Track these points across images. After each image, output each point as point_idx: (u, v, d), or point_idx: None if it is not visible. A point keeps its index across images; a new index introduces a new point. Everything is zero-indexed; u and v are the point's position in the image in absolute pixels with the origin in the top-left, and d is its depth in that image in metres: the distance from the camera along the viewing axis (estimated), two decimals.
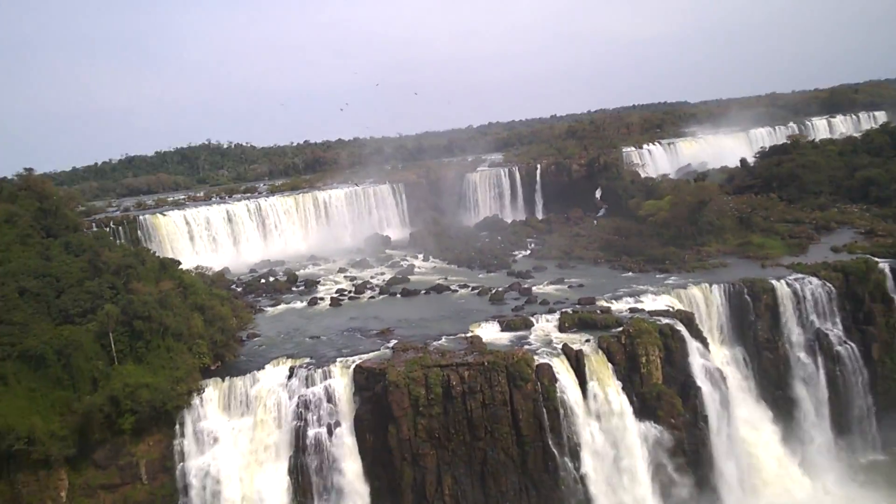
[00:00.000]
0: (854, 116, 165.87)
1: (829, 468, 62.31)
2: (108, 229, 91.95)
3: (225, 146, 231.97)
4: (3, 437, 45.33)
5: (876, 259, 70.35)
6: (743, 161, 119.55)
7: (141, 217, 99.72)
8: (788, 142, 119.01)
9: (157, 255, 72.21)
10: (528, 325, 61.11)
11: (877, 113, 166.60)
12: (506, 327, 61.10)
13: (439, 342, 57.70)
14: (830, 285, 67.20)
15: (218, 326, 58.63)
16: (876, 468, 63.86)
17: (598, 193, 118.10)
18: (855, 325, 67.54)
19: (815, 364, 65.15)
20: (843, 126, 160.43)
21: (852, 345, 66.18)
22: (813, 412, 64.11)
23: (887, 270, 68.88)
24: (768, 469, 60.20)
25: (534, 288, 73.86)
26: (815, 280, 67.43)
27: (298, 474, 51.38)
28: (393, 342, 58.50)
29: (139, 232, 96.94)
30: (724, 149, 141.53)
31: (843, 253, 75.02)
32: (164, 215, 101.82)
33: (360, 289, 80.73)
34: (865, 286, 67.88)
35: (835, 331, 66.63)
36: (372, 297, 77.70)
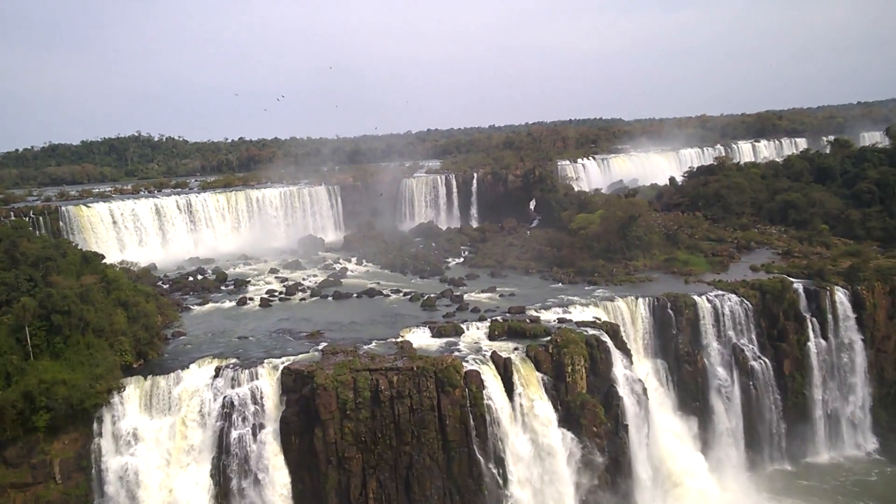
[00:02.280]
0: (777, 142, 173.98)
1: (739, 476, 65.40)
2: (27, 219, 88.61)
3: (156, 139, 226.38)
4: None
5: (791, 279, 73.96)
6: (672, 179, 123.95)
7: (63, 208, 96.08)
8: (715, 163, 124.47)
9: (79, 248, 69.99)
10: (459, 332, 61.71)
11: (798, 139, 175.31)
12: (436, 333, 61.51)
13: (369, 346, 57.66)
14: (748, 302, 70.23)
15: (142, 323, 57.07)
16: (781, 477, 67.51)
17: (532, 204, 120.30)
18: (769, 341, 70.80)
19: (731, 377, 68.09)
20: (766, 150, 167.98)
21: (766, 360, 69.43)
22: (727, 423, 66.91)
23: (801, 290, 72.53)
24: (682, 476, 62.36)
25: (466, 295, 74.63)
26: (734, 297, 70.38)
27: (220, 476, 50.45)
28: (322, 345, 58.10)
29: (61, 223, 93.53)
30: (655, 167, 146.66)
31: (762, 272, 78.48)
32: (89, 207, 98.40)
33: (291, 290, 79.79)
34: (780, 304, 71.26)
35: (750, 346, 69.73)
36: (303, 299, 76.96)
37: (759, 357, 69.52)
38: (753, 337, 70.30)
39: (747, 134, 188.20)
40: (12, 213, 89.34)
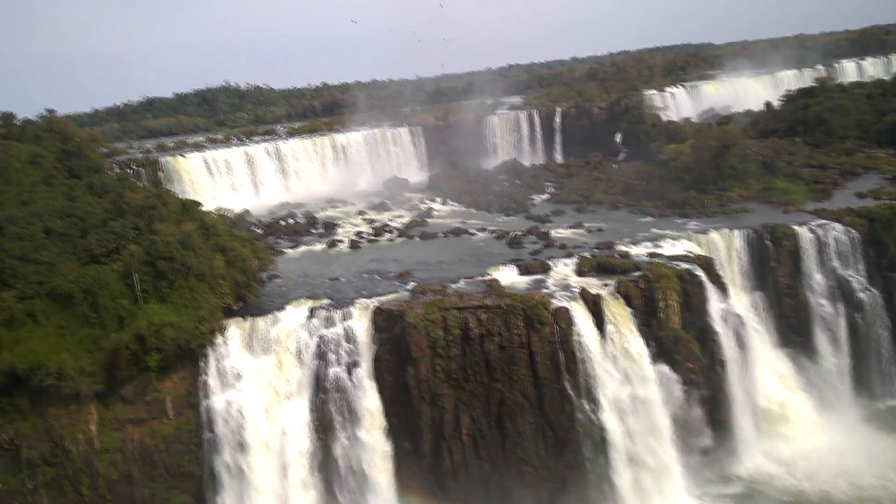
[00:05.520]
0: (885, 58, 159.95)
1: (847, 414, 62.46)
2: (130, 171, 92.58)
3: (244, 88, 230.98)
4: (34, 372, 46.77)
5: None
6: (768, 104, 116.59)
7: (162, 159, 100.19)
8: (816, 84, 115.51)
9: (178, 196, 72.72)
10: (546, 269, 61.21)
11: None
12: (524, 271, 61.24)
13: (458, 285, 58.03)
14: (854, 231, 66.10)
15: (239, 267, 59.18)
16: (892, 413, 63.97)
17: (618, 137, 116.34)
18: (878, 271, 66.53)
19: (836, 310, 64.61)
20: (872, 69, 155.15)
21: (875, 291, 65.37)
22: (833, 358, 63.95)
23: None
24: (786, 414, 60.54)
25: (552, 232, 73.70)
26: (838, 226, 66.34)
27: (319, 412, 52.68)
28: (411, 284, 58.95)
29: (160, 173, 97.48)
30: (749, 92, 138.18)
31: (869, 199, 73.49)
32: (185, 157, 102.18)
33: (378, 231, 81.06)
34: (891, 232, 66.63)
35: (857, 277, 65.78)
36: (390, 240, 78.03)
37: (868, 288, 65.39)
38: (861, 267, 66.08)
39: (851, 52, 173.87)
40: (116, 166, 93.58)
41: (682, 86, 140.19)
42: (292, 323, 54.66)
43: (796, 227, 65.83)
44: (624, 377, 53.60)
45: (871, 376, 65.31)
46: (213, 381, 52.18)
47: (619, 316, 54.71)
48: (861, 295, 64.91)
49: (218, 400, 51.71)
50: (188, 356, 51.62)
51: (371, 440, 52.20)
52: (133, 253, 52.35)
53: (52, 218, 56.63)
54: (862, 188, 77.99)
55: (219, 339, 53.01)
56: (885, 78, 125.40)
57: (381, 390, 53.02)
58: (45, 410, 48.73)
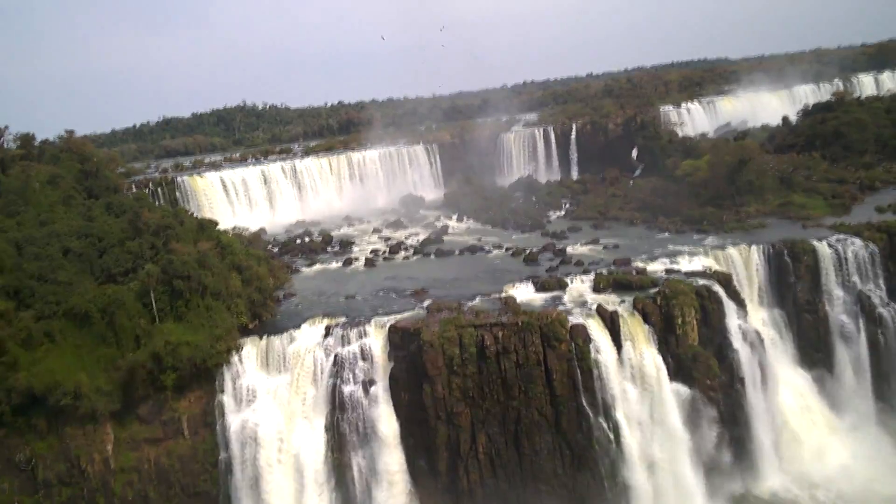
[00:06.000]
0: None
1: (870, 431, 61.14)
2: (147, 190, 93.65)
3: (260, 107, 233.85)
4: (51, 392, 46.93)
5: None
6: (785, 119, 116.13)
7: (179, 178, 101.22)
8: (833, 99, 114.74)
9: (195, 215, 73.36)
10: (563, 286, 60.83)
11: None
12: (540, 288, 60.91)
13: (473, 302, 57.82)
14: (874, 246, 65.17)
15: (255, 286, 59.43)
16: None
17: (634, 153, 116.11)
18: None
19: (857, 326, 63.53)
20: (890, 82, 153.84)
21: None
22: (853, 375, 62.78)
23: None
24: (806, 433, 59.48)
25: (568, 248, 73.39)
26: (857, 241, 65.51)
27: (335, 431, 52.46)
28: (427, 302, 58.84)
29: (177, 193, 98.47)
30: (766, 107, 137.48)
31: (889, 213, 72.64)
32: (202, 176, 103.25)
33: (394, 249, 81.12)
34: None
35: (878, 292, 64.77)
36: (406, 258, 78.04)
37: (889, 303, 64.35)
38: (881, 282, 65.02)
39: (868, 66, 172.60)
40: (133, 186, 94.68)
41: (698, 101, 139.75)
42: (308, 341, 54.65)
43: (815, 243, 65.02)
44: (641, 394, 52.97)
45: (893, 393, 63.99)
46: (228, 400, 52.25)
47: (637, 332, 54.16)
48: (882, 310, 63.90)
49: (234, 419, 51.71)
50: (204, 375, 51.71)
51: (387, 459, 51.86)
52: (150, 272, 52.74)
53: (70, 238, 57.31)
54: (881, 202, 77.16)
55: (235, 358, 53.11)
56: None
57: (397, 409, 52.75)
58: (61, 430, 48.84)
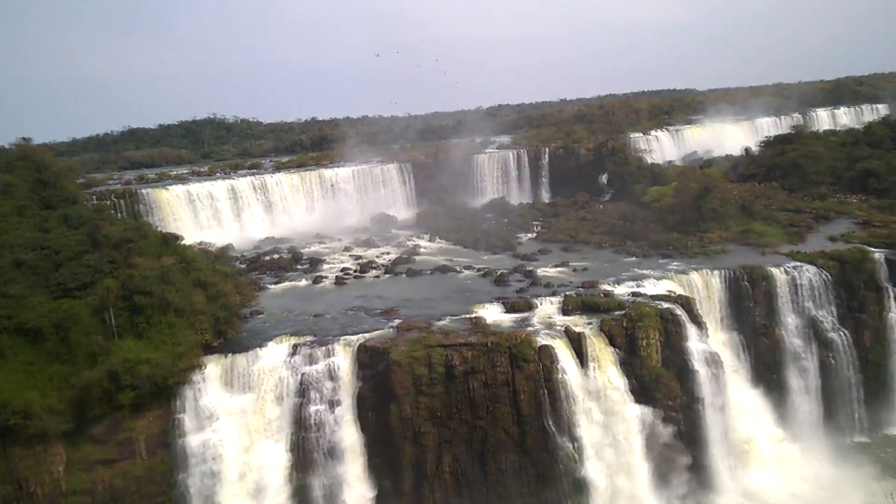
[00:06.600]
0: (857, 108, 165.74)
1: (818, 451, 63.39)
2: (108, 202, 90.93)
3: (230, 121, 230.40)
4: None
5: (871, 249, 71.31)
6: (747, 150, 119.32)
7: (143, 191, 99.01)
8: (792, 132, 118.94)
9: (158, 229, 71.94)
10: (531, 307, 61.28)
11: (879, 105, 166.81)
12: (509, 309, 61.27)
13: (443, 322, 57.90)
14: (827, 273, 67.97)
15: (221, 303, 58.28)
16: (863, 449, 65.43)
17: (604, 178, 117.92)
18: (848, 312, 68.63)
19: (809, 349, 66.25)
20: (845, 117, 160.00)
21: (845, 331, 67.31)
22: (805, 396, 65.29)
23: (881, 260, 69.79)
24: (760, 450, 60.96)
25: (538, 270, 73.94)
26: (812, 268, 68.20)
27: (299, 451, 51.74)
28: (397, 321, 58.63)
29: (141, 206, 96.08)
30: (730, 137, 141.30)
31: (840, 242, 75.81)
32: (167, 189, 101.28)
33: (364, 268, 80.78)
34: (860, 275, 68.90)
35: (829, 318, 67.65)
36: (377, 277, 77.75)
37: (838, 328, 67.29)
38: (832, 308, 68.10)
39: (825, 101, 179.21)
40: (94, 197, 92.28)
41: (666, 129, 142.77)
42: (274, 360, 53.92)
43: (772, 269, 67.19)
44: (605, 415, 53.52)
45: (841, 413, 66.97)
46: (189, 419, 51.06)
47: (602, 354, 54.83)
48: (832, 335, 66.74)
49: (193, 439, 50.58)
50: (164, 394, 50.33)
51: (351, 479, 51.34)
52: (109, 287, 51.35)
53: (24, 250, 55.05)
54: (834, 232, 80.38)
55: (196, 377, 51.95)
56: (857, 127, 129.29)
57: (363, 428, 52.38)
58: (9, 450, 46.51)
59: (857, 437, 67.04)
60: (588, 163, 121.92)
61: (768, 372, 65.45)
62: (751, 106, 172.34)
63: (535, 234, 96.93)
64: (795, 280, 67.12)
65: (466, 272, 76.85)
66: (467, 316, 59.10)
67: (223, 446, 50.73)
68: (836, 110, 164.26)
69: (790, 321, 66.55)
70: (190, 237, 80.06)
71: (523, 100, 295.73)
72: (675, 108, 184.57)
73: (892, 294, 69.06)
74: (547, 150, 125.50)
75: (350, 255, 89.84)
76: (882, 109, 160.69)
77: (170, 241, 65.16)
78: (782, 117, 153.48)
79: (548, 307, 61.28)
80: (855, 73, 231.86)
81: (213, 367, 53.15)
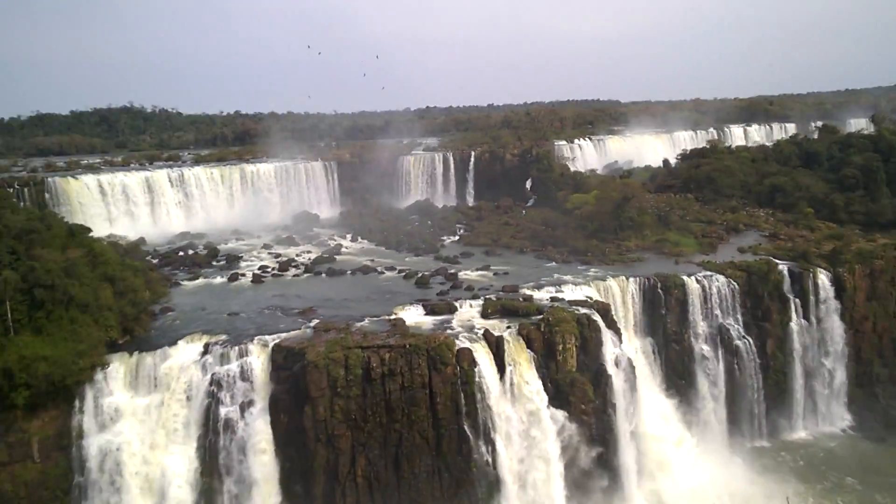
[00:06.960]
0: (768, 126, 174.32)
1: (723, 454, 66.15)
2: (11, 190, 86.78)
3: (148, 110, 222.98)
4: None
5: (776, 261, 74.87)
6: (665, 161, 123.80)
7: (49, 179, 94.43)
8: (707, 146, 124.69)
9: (65, 220, 68.45)
10: (452, 310, 61.18)
11: (788, 124, 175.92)
12: (430, 311, 61.00)
13: (362, 323, 57.10)
14: (735, 283, 70.88)
15: (129, 299, 55.83)
16: (759, 453, 68.60)
17: (528, 184, 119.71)
18: (754, 321, 71.85)
19: (716, 356, 69.02)
20: (757, 135, 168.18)
21: (750, 339, 70.42)
22: (711, 401, 67.92)
23: (785, 272, 73.44)
24: (667, 453, 62.62)
25: (460, 273, 74.05)
26: (721, 277, 70.96)
27: (207, 454, 49.93)
28: (315, 322, 57.48)
29: (47, 195, 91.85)
30: (650, 148, 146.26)
31: (749, 253, 79.30)
32: (76, 179, 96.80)
33: (284, 266, 79.01)
34: (765, 285, 72.25)
35: (735, 326, 70.64)
36: (296, 276, 76.18)
37: (744, 336, 70.46)
38: (739, 317, 71.27)
39: (739, 118, 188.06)
40: None
41: (590, 139, 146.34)
42: (184, 359, 51.94)
43: (685, 278, 69.59)
44: (521, 418, 53.85)
45: (743, 419, 70.11)
46: (88, 420, 48.67)
47: (520, 358, 55.15)
48: (738, 342, 69.84)
49: (93, 441, 48.19)
50: (62, 394, 47.82)
51: (261, 483, 49.77)
52: (7, 279, 48.29)
53: None
54: (743, 243, 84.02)
55: (99, 376, 49.55)
56: (767, 144, 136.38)
57: (276, 431, 50.86)
58: None
59: (758, 442, 70.24)
60: (513, 168, 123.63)
61: (678, 377, 67.81)
62: (670, 119, 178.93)
63: (458, 238, 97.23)
64: (706, 289, 69.69)
65: (388, 273, 76.25)
66: (387, 317, 58.51)
67: (126, 449, 48.50)
68: (748, 127, 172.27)
69: (700, 328, 69.16)
70: (100, 230, 76.96)
71: (452, 103, 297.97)
72: (598, 118, 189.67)
73: (795, 305, 72.69)
74: (473, 153, 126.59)
75: (270, 253, 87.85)
76: (791, 128, 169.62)
77: (77, 232, 62.10)
78: (699, 132, 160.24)
79: (468, 310, 61.33)
80: (767, 94, 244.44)
81: (118, 366, 50.81)
